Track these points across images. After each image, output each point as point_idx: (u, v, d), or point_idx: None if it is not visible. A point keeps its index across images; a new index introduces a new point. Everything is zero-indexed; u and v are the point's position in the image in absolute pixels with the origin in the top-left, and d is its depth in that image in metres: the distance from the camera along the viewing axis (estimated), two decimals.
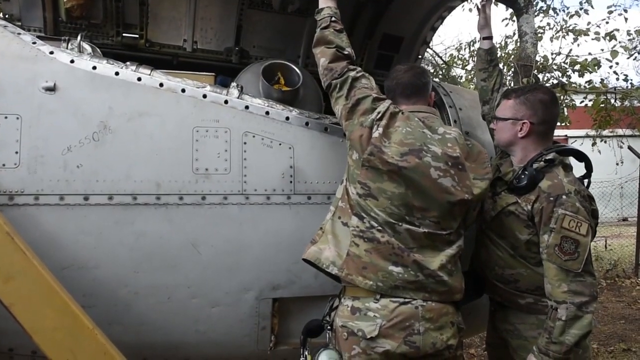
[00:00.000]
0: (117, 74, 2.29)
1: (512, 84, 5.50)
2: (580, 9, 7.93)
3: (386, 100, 2.10)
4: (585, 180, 2.24)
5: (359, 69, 2.18)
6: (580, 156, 2.25)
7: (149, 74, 2.33)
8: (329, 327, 2.09)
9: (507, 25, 8.59)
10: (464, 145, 2.08)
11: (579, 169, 2.29)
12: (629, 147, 8.22)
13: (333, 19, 2.23)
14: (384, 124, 1.99)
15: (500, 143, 2.33)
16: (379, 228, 1.97)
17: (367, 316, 1.95)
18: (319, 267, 2.05)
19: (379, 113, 2.02)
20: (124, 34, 3.14)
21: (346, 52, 2.19)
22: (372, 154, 1.97)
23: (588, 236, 1.99)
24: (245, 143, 2.33)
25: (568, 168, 2.19)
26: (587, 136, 9.40)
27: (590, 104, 7.90)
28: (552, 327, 1.96)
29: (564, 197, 2.02)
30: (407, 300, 1.95)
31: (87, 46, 2.51)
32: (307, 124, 2.42)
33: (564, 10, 8.32)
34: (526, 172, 2.12)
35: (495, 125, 2.31)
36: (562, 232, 1.99)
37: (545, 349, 1.97)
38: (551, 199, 2.04)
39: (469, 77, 9.86)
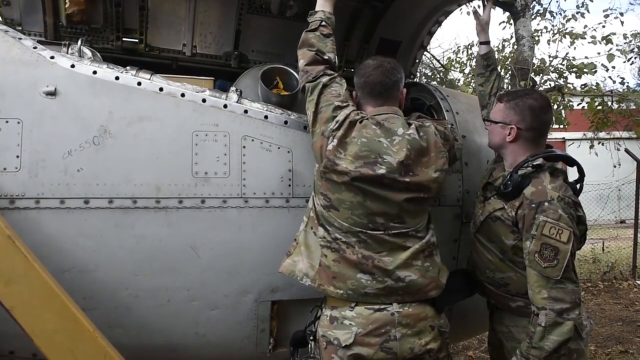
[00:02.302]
0: (117, 78, 2.31)
1: (509, 87, 5.53)
2: (577, 12, 7.99)
3: (348, 106, 2.06)
4: (578, 185, 2.22)
5: (334, 74, 2.16)
6: (570, 161, 2.24)
7: (149, 79, 2.35)
8: (311, 338, 2.09)
9: (504, 28, 8.63)
10: (422, 141, 2.03)
11: (574, 173, 2.27)
12: (626, 150, 8.25)
13: (323, 23, 2.22)
14: (340, 135, 1.98)
15: (492, 145, 2.36)
16: (344, 240, 1.98)
17: (344, 325, 1.96)
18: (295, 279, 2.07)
19: (337, 122, 2.00)
20: (124, 39, 3.17)
21: (326, 57, 2.18)
22: (327, 166, 1.98)
23: (569, 243, 1.96)
24: (244, 147, 2.35)
25: (557, 173, 2.17)
26: (585, 138, 9.43)
27: (587, 106, 7.93)
28: (532, 332, 1.97)
29: (546, 204, 2.02)
30: (382, 307, 1.97)
31: (87, 51, 2.52)
32: (305, 127, 2.44)
33: (560, 14, 8.38)
34: (512, 178, 2.13)
35: (489, 127, 2.34)
36: (542, 239, 1.99)
37: (526, 353, 1.98)
38: (533, 205, 2.04)
39: (467, 80, 9.89)
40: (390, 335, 1.93)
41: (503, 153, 2.30)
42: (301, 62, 2.19)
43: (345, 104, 2.07)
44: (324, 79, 2.12)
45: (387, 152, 1.97)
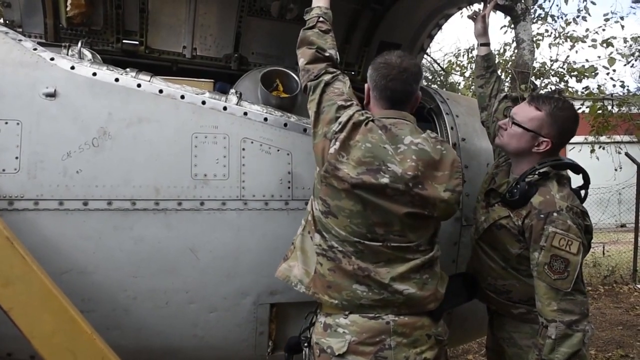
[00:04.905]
0: (117, 80, 2.31)
1: (510, 91, 5.52)
2: (578, 16, 7.98)
3: (352, 106, 1.94)
4: (583, 192, 2.18)
5: (337, 72, 2.05)
6: (577, 169, 2.19)
7: (149, 81, 2.36)
8: (306, 344, 2.04)
9: (505, 32, 8.64)
10: (434, 153, 1.89)
11: (577, 179, 2.23)
12: (626, 154, 8.24)
13: (320, 19, 2.15)
14: (343, 137, 1.86)
15: (508, 148, 2.20)
16: (340, 249, 1.89)
17: (337, 332, 1.89)
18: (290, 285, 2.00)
19: (340, 124, 1.88)
20: (124, 41, 3.19)
21: (327, 54, 2.08)
22: (327, 171, 1.87)
23: (579, 254, 1.93)
24: (243, 149, 2.35)
25: (564, 181, 2.12)
26: (585, 142, 9.42)
27: (587, 110, 7.92)
28: (542, 345, 1.93)
29: (555, 214, 1.97)
30: (377, 315, 1.89)
31: (87, 52, 2.53)
32: (305, 130, 2.44)
33: (561, 18, 8.36)
34: (519, 186, 2.07)
35: (510, 126, 2.15)
36: (552, 250, 1.94)
37: None
38: (542, 216, 1.99)
39: (468, 83, 9.89)
40: (385, 344, 1.86)
41: (519, 160, 2.18)
42: (301, 61, 2.10)
43: (349, 103, 1.95)
44: (326, 77, 2.02)
45: (391, 160, 1.84)
